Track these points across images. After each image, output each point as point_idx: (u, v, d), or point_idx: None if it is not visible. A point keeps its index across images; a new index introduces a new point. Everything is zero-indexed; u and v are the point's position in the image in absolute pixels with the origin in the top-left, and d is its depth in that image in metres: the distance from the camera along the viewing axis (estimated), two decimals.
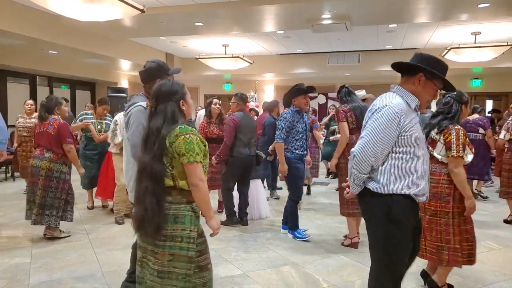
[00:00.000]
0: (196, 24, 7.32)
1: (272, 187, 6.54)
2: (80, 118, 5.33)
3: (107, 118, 5.46)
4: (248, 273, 3.32)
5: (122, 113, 3.98)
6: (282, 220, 4.52)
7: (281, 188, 6.70)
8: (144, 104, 2.41)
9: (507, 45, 7.55)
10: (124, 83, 12.74)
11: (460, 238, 2.72)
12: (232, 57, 9.32)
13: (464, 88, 10.22)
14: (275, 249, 3.95)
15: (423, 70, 2.02)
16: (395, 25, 7.99)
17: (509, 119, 5.22)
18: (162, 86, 2.03)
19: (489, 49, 7.70)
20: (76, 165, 4.19)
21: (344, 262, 3.63)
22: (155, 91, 2.03)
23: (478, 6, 6.05)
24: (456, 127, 2.74)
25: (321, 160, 7.49)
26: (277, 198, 6.30)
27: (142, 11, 5.02)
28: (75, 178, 5.67)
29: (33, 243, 4.02)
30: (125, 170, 2.63)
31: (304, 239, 4.21)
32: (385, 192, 1.99)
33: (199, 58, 9.49)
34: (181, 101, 2.02)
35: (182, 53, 11.43)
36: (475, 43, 8.08)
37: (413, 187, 2.00)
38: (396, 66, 2.11)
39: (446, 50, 8.09)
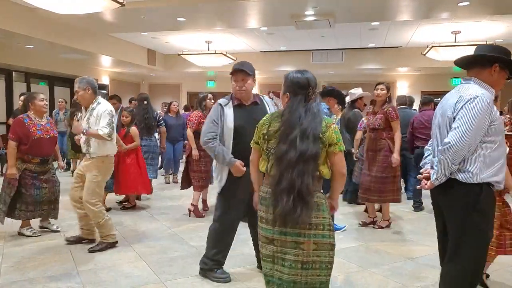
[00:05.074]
0: (179, 19, 7.20)
1: None
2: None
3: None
4: (230, 269, 3.24)
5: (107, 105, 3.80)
6: None
7: None
8: (221, 101, 2.96)
9: (486, 44, 7.68)
10: (105, 80, 12.47)
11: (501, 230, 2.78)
12: (215, 53, 9.23)
13: (444, 86, 10.48)
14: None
15: (499, 60, 2.08)
16: (377, 23, 8.05)
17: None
18: (307, 77, 2.03)
19: (468, 48, 7.84)
20: (8, 163, 3.93)
21: None
22: (304, 80, 2.01)
23: (458, 4, 6.15)
24: None
25: None
26: None
27: (121, 4, 4.87)
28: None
29: (5, 242, 3.86)
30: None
31: (342, 230, 4.30)
32: (476, 182, 2.02)
33: (182, 54, 9.37)
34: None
35: (164, 49, 11.27)
36: (455, 42, 8.20)
37: (496, 175, 2.06)
38: (473, 58, 2.17)
39: (428, 49, 8.19)
